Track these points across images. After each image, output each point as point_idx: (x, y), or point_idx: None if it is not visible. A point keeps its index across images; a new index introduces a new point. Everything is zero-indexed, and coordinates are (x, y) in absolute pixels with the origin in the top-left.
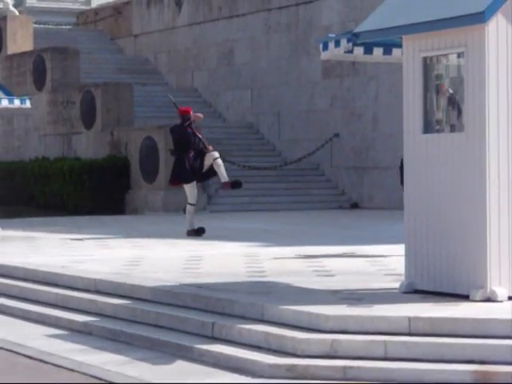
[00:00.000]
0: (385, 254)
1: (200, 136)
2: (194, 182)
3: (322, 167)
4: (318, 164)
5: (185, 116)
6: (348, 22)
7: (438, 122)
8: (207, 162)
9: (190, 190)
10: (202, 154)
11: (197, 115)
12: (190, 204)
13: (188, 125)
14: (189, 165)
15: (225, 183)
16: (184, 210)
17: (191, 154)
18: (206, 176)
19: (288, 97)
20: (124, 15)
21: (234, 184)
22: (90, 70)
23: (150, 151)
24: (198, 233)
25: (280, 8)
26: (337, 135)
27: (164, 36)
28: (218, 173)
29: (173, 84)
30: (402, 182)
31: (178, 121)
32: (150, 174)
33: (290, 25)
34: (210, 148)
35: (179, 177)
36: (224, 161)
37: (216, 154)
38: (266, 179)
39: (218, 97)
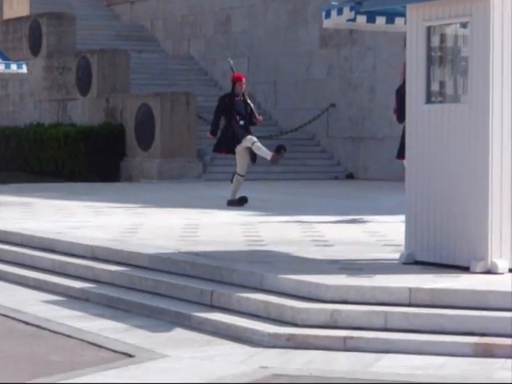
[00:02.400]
0: (383, 224)
1: (252, 105)
2: (246, 153)
3: (318, 137)
4: (314, 134)
5: (236, 83)
6: None
7: (441, 92)
8: (244, 145)
9: (240, 159)
10: (252, 123)
11: (258, 118)
12: (239, 174)
13: (238, 93)
14: (234, 133)
15: (271, 159)
16: (231, 180)
17: (240, 122)
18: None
19: (285, 66)
20: None
21: (278, 150)
22: (86, 37)
23: (145, 118)
24: (240, 203)
25: None
26: (333, 105)
27: (161, 3)
28: (261, 154)
29: (169, 51)
30: (398, 155)
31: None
32: (145, 141)
33: None
34: (260, 118)
35: (221, 145)
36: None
37: (254, 139)
38: None
39: (215, 65)
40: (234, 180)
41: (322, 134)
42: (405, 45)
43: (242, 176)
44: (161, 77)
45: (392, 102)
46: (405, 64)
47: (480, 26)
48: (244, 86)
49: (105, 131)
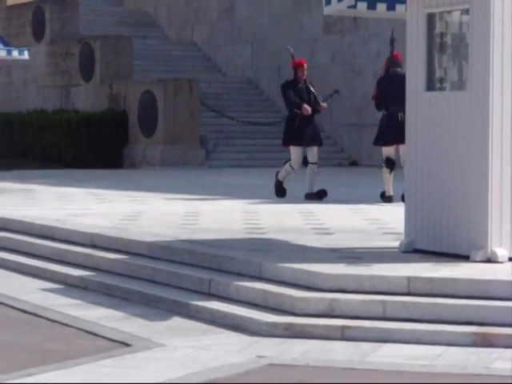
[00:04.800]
0: (384, 211)
1: (315, 92)
2: (299, 147)
3: (322, 124)
4: (318, 121)
5: (297, 69)
6: None
7: (442, 79)
8: (306, 153)
9: (293, 153)
10: (315, 112)
11: (322, 105)
12: (311, 163)
13: (300, 80)
14: (298, 125)
15: (309, 195)
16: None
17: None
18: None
19: (288, 52)
20: None
21: (320, 194)
22: (89, 23)
23: (148, 105)
24: (319, 195)
25: None
26: (337, 92)
27: None
28: (308, 180)
29: (173, 37)
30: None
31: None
32: (148, 128)
33: None
34: (324, 105)
35: (286, 138)
36: (222, 115)
37: (315, 157)
38: (265, 135)
39: (218, 51)
40: (309, 170)
41: (325, 120)
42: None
43: (314, 164)
44: (164, 63)
45: (373, 90)
46: (388, 58)
47: (480, 12)
48: (306, 71)
49: (108, 118)
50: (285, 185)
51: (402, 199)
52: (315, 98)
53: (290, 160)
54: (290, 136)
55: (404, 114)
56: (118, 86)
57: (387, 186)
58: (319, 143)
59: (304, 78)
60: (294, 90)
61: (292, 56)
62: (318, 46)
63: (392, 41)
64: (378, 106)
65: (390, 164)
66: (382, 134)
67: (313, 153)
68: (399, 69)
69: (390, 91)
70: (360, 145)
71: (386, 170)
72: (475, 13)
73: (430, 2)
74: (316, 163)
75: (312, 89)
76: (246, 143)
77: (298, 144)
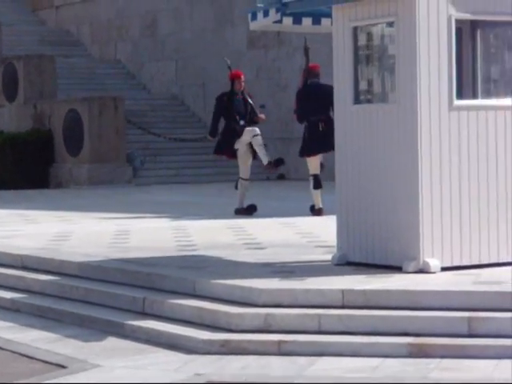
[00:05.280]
0: (314, 224)
1: (252, 103)
2: (247, 153)
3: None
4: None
5: (234, 81)
6: None
7: (369, 92)
8: (245, 138)
9: (242, 162)
10: (253, 122)
11: (260, 116)
12: (242, 179)
13: (237, 91)
14: (234, 131)
15: (266, 166)
16: (236, 185)
17: (241, 122)
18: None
19: (213, 68)
20: None
21: (277, 163)
22: (11, 43)
23: (74, 124)
24: (248, 211)
25: None
26: (262, 106)
27: (86, 7)
28: (258, 153)
29: (96, 55)
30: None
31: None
32: (74, 147)
33: None
34: (262, 117)
35: (222, 145)
36: (149, 133)
37: (257, 130)
38: (192, 151)
39: (142, 68)
40: (239, 186)
41: None
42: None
43: (246, 180)
44: (89, 81)
45: (293, 104)
46: (304, 70)
47: (406, 25)
48: (243, 83)
49: (33, 138)
50: (217, 200)
51: (311, 210)
52: (252, 109)
53: (238, 180)
54: (226, 142)
55: (324, 123)
56: (43, 106)
57: (316, 199)
58: (254, 157)
59: (241, 89)
60: (232, 101)
61: (229, 67)
62: (243, 61)
63: (306, 50)
64: (299, 118)
65: (318, 185)
66: (306, 144)
67: (246, 166)
68: (316, 79)
69: (310, 102)
70: (287, 158)
71: (314, 191)
72: (401, 25)
73: (356, 16)
74: (248, 179)
75: (250, 100)
76: (172, 160)
77: (233, 156)
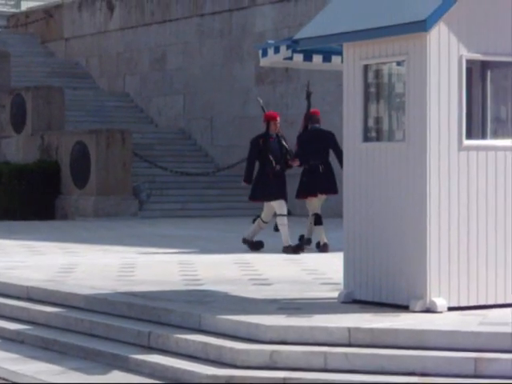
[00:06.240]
0: (320, 261)
1: (287, 146)
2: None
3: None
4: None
5: (270, 122)
6: (281, 29)
7: (379, 130)
8: (270, 205)
9: (268, 207)
10: (287, 166)
11: (294, 161)
12: (262, 220)
13: (272, 133)
14: (267, 182)
15: (285, 248)
16: (253, 220)
17: (276, 167)
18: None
19: (221, 103)
20: (55, 18)
21: (297, 248)
22: (20, 74)
23: (81, 156)
24: (255, 246)
25: (213, 13)
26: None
27: (96, 40)
28: (280, 231)
29: (104, 88)
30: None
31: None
32: (80, 179)
33: (223, 30)
34: (296, 162)
35: (255, 193)
36: (155, 166)
37: (283, 209)
38: (199, 185)
39: (150, 102)
40: (256, 223)
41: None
42: (341, 83)
43: (264, 223)
44: (96, 114)
45: (294, 147)
46: (305, 115)
47: (416, 64)
48: (278, 125)
49: (40, 169)
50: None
51: (317, 247)
52: (287, 151)
53: (258, 217)
54: (258, 191)
55: (324, 166)
56: (50, 137)
57: (320, 236)
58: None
59: (276, 131)
60: (266, 144)
61: (262, 108)
62: (251, 97)
63: (308, 95)
64: (302, 161)
65: (319, 221)
66: (306, 186)
67: (270, 212)
68: (317, 125)
69: (311, 146)
70: (292, 194)
71: (317, 227)
72: (411, 64)
73: (366, 54)
74: (266, 223)
75: (284, 143)
76: (179, 193)
77: (275, 198)
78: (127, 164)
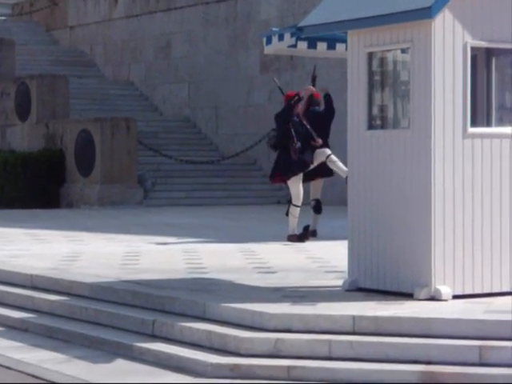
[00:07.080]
0: (325, 249)
1: (308, 126)
2: (300, 180)
3: (260, 162)
4: (256, 159)
5: (290, 102)
6: (286, 17)
7: (383, 118)
8: (317, 161)
9: (295, 187)
10: (309, 146)
11: (317, 141)
12: (294, 205)
13: (293, 112)
14: (296, 156)
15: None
16: (286, 213)
17: (297, 145)
18: (313, 175)
19: (226, 91)
20: (60, 6)
21: (301, 238)
22: (25, 62)
23: (85, 144)
24: (300, 239)
25: (218, 1)
26: (274, 130)
27: (100, 28)
28: (337, 170)
29: (109, 76)
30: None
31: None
32: (85, 167)
33: (228, 19)
34: (319, 141)
35: (284, 170)
36: (160, 154)
37: (328, 151)
38: (203, 174)
39: (155, 90)
40: (289, 212)
41: (263, 159)
42: (345, 70)
43: (297, 206)
44: (101, 102)
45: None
46: (309, 96)
47: (421, 51)
48: (300, 105)
49: (44, 157)
50: (228, 223)
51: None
52: (307, 131)
53: (289, 205)
54: (284, 167)
55: (321, 147)
56: (55, 126)
57: (313, 223)
58: (317, 209)
59: (298, 111)
60: (289, 122)
61: (280, 89)
62: (255, 85)
63: (314, 78)
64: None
65: (318, 210)
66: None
67: (298, 192)
68: (317, 107)
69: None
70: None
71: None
72: (416, 52)
73: (371, 41)
74: (299, 206)
75: (305, 122)
76: (183, 182)
77: (296, 174)
78: (132, 152)
